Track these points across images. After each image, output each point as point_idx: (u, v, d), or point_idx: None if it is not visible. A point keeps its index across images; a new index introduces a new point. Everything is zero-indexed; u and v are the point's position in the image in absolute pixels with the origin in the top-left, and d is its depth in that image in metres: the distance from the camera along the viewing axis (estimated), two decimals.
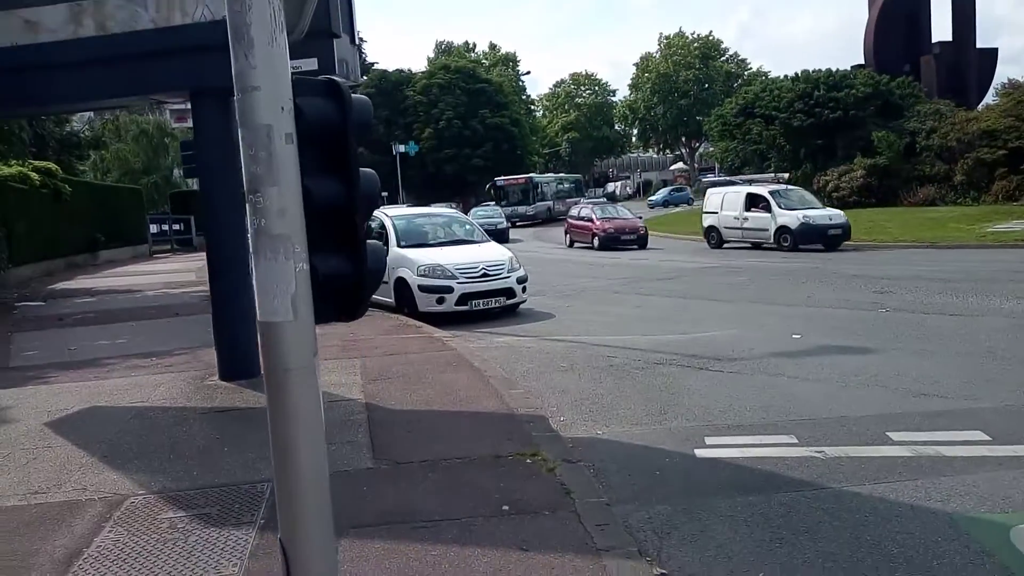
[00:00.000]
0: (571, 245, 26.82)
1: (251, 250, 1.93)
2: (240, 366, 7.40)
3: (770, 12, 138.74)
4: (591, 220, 25.80)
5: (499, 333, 10.30)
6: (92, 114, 37.59)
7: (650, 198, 61.60)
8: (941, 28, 40.03)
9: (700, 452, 5.27)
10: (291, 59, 7.08)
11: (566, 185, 53.28)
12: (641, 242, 24.70)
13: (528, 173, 61.05)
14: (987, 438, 5.21)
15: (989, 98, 37.55)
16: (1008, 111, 30.94)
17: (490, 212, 34.46)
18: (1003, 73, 79.06)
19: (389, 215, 13.21)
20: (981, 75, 39.21)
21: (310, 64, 7.28)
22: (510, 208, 41.89)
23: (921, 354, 7.94)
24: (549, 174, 56.20)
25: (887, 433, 5.42)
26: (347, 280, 2.06)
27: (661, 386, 7.09)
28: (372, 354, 8.59)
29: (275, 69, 1.97)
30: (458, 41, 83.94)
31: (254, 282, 1.96)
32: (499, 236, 24.19)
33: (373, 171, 2.22)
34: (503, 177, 49.51)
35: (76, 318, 12.48)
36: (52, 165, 22.07)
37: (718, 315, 11.10)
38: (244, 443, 5.57)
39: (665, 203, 55.75)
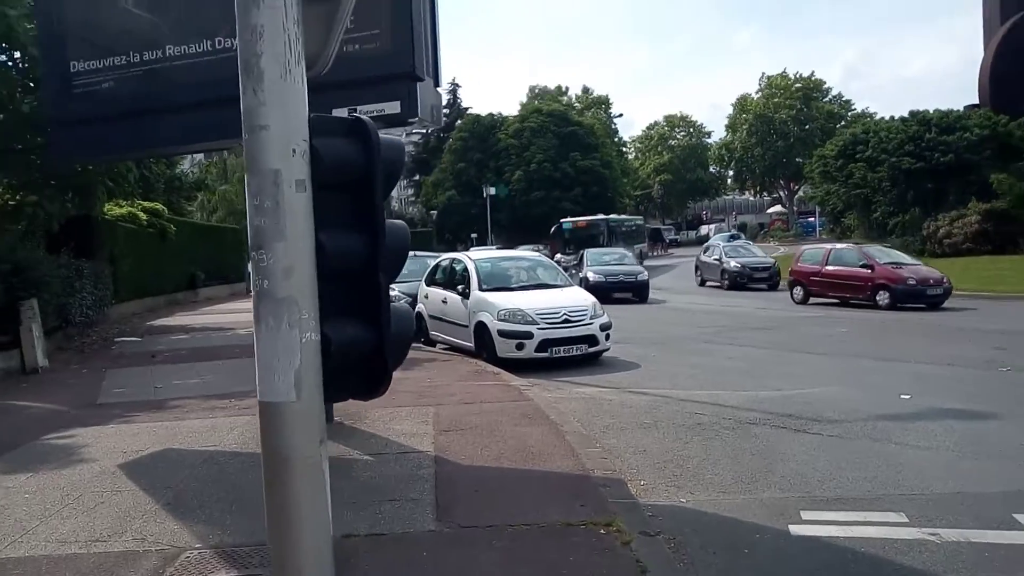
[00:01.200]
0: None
1: (253, 316, 1.69)
2: None
3: (877, 52, 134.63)
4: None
5: (579, 383, 9.91)
6: (203, 156, 39.73)
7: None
8: None
9: (795, 529, 4.73)
10: (373, 102, 6.98)
11: (631, 227, 47.64)
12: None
13: (618, 215, 60.47)
14: None
15: None
16: None
17: (616, 257, 25.52)
18: None
19: (472, 258, 13.13)
20: None
21: (393, 107, 7.25)
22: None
23: None
24: (614, 215, 49.64)
25: (1014, 515, 4.74)
26: (366, 351, 1.79)
27: (753, 449, 6.54)
28: (447, 402, 8.37)
29: (288, 106, 1.72)
30: (551, 85, 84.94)
31: (255, 353, 1.71)
32: (640, 291, 22.05)
33: (403, 223, 1.97)
34: (571, 219, 42.49)
35: (168, 355, 12.87)
36: (159, 205, 23.29)
37: (816, 370, 10.36)
38: None
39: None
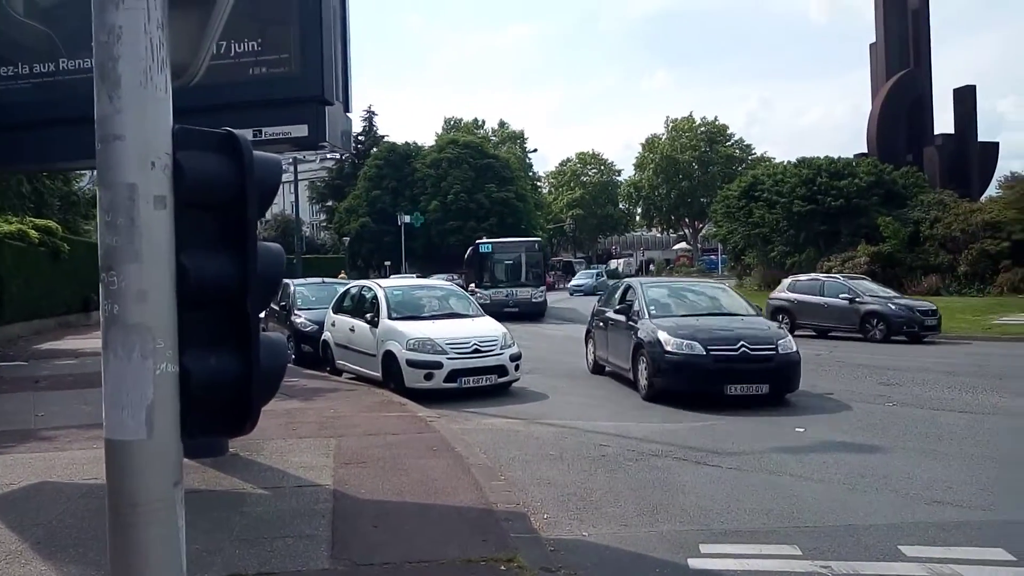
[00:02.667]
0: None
1: (101, 343, 1.53)
2: (205, 443, 6.94)
3: (778, 101, 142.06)
4: None
5: (488, 414, 9.81)
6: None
7: (573, 282, 52.75)
8: (943, 121, 40.66)
9: (694, 562, 4.76)
10: (279, 124, 6.80)
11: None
12: None
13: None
14: (1011, 558, 4.70)
15: (991, 190, 37.80)
16: (1012, 204, 31.00)
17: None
18: (1004, 167, 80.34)
19: (383, 286, 12.90)
20: (983, 167, 39.64)
21: (300, 131, 7.08)
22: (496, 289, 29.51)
23: (933, 455, 7.44)
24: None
25: (899, 547, 4.92)
26: (231, 385, 1.64)
27: (655, 482, 6.59)
28: (350, 433, 8.11)
29: (147, 116, 1.54)
30: (467, 117, 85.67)
31: (102, 386, 1.54)
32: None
33: (279, 246, 1.85)
34: (490, 240, 35.04)
35: (53, 380, 12.04)
36: (53, 223, 21.99)
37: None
38: (192, 531, 5.04)
39: (595, 290, 41.91)
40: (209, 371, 1.60)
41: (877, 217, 33.19)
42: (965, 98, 40.12)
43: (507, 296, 27.92)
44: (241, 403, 1.69)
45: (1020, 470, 6.88)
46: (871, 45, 41.25)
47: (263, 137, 6.81)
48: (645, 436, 8.36)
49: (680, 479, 6.64)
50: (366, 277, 37.80)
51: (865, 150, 39.90)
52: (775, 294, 21.81)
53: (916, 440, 8.07)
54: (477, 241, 31.06)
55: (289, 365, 15.33)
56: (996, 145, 41.49)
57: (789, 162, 40.82)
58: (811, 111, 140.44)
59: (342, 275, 38.81)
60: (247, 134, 7.03)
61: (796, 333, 16.99)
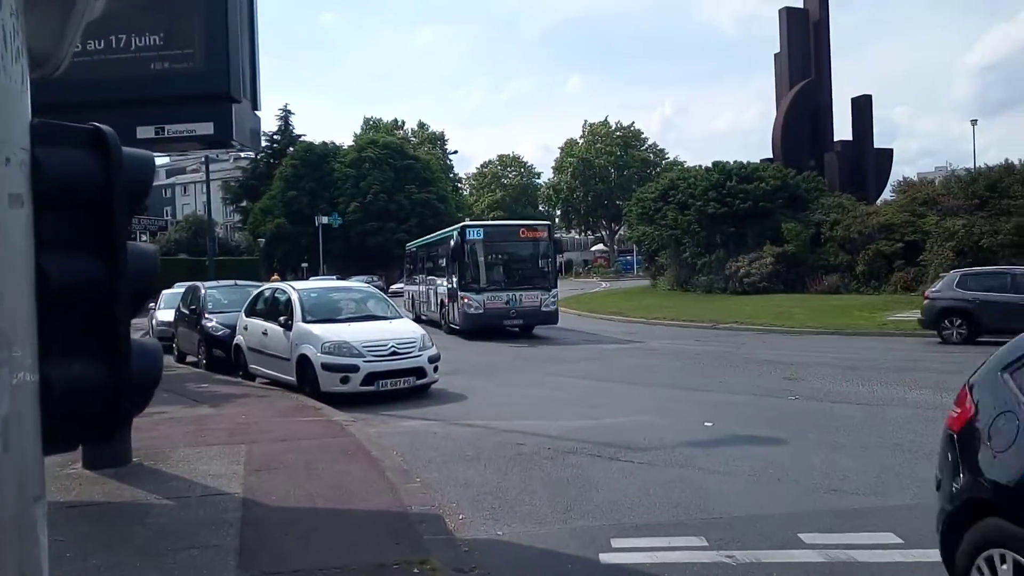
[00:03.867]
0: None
1: None
2: (106, 453, 6.64)
3: (691, 107, 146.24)
4: None
5: (405, 416, 9.74)
6: None
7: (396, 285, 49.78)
8: (842, 128, 42.73)
9: (605, 557, 4.86)
10: (183, 122, 6.57)
11: None
12: None
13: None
14: (899, 541, 4.98)
15: (886, 194, 40.01)
16: (904, 207, 32.88)
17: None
18: (898, 172, 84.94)
19: (296, 288, 12.62)
20: (879, 172, 41.93)
21: (206, 128, 6.85)
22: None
23: (831, 446, 7.81)
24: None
25: (799, 535, 5.14)
26: (98, 394, 1.56)
27: (569, 478, 6.69)
28: (261, 439, 7.91)
29: (1, 109, 1.46)
30: (387, 118, 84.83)
31: None
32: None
33: (152, 247, 1.77)
34: (481, 223, 31.02)
35: None
36: None
37: (631, 399, 10.86)
38: (90, 546, 4.85)
39: None
40: (72, 380, 1.51)
41: (782, 220, 34.61)
42: (862, 107, 42.30)
43: (508, 303, 19.87)
44: (109, 413, 1.60)
45: (910, 457, 7.29)
46: (775, 55, 42.97)
47: (166, 135, 6.56)
48: (562, 434, 8.47)
49: (594, 475, 6.75)
50: (283, 279, 36.52)
51: (771, 155, 41.56)
52: (939, 292, 17.60)
53: (816, 432, 8.45)
54: (463, 224, 21.84)
55: (200, 370, 14.91)
56: (890, 151, 44.09)
57: (702, 166, 42.08)
58: (722, 117, 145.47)
59: (274, 277, 37.76)
60: (149, 131, 6.75)
61: (979, 340, 15.78)
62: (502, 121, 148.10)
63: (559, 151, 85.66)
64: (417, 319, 25.29)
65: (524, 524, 5.55)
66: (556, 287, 21.26)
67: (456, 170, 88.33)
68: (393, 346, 10.99)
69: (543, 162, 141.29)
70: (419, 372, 11.09)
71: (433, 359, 11.33)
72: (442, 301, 22.49)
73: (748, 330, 21.95)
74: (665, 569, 4.63)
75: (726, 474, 6.81)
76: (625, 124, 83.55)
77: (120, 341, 1.58)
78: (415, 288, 28.35)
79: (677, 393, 11.45)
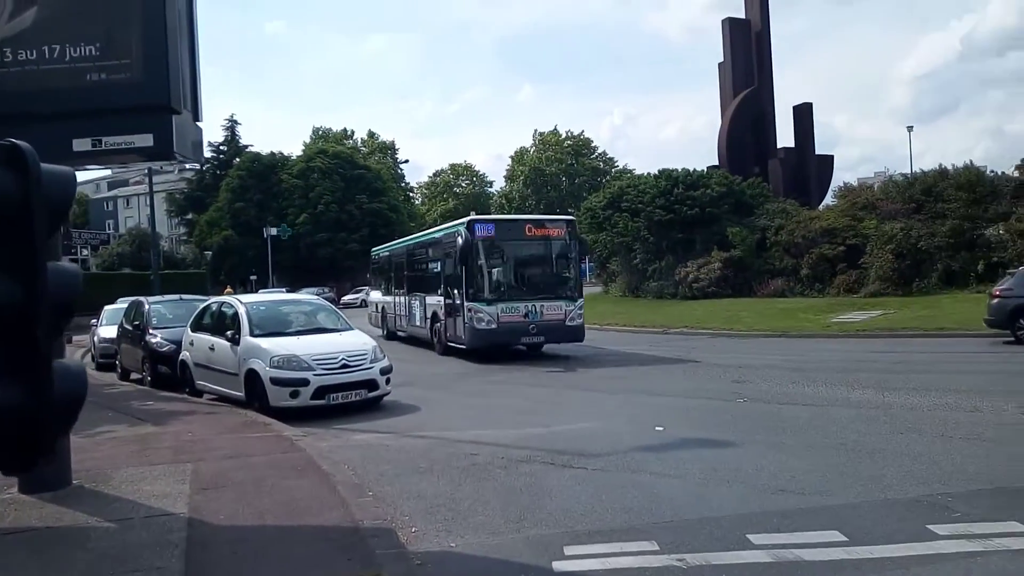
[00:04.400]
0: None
1: None
2: (44, 476, 6.41)
3: (640, 116, 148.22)
4: None
5: (357, 430, 9.63)
6: None
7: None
8: (785, 135, 43.82)
9: (558, 565, 4.87)
10: (122, 134, 6.43)
11: None
12: None
13: None
14: (844, 539, 5.10)
15: (828, 199, 41.16)
16: (845, 211, 33.87)
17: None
18: (840, 177, 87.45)
19: (243, 301, 12.39)
20: (821, 178, 43.13)
21: (145, 140, 6.71)
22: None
23: (778, 447, 7.98)
24: None
25: (747, 536, 5.22)
26: (18, 417, 1.51)
27: (523, 487, 6.69)
28: (209, 457, 7.74)
29: None
30: (336, 127, 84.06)
31: None
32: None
33: (75, 267, 1.72)
34: (492, 217, 25.58)
35: None
36: None
37: (584, 406, 10.94)
38: (28, 574, 4.68)
39: None
40: None
41: (728, 225, 35.32)
42: (803, 115, 43.47)
43: (527, 316, 16.48)
44: (30, 436, 1.55)
45: (853, 456, 7.50)
46: (720, 64, 43.89)
47: (104, 147, 6.42)
48: (515, 442, 8.47)
49: (547, 483, 6.77)
50: (220, 293, 35.73)
51: (717, 163, 42.39)
52: (1011, 291, 16.94)
53: (764, 433, 8.62)
54: (470, 218, 17.66)
55: (144, 388, 14.51)
56: (831, 158, 45.37)
57: (650, 174, 42.68)
58: (671, 125, 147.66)
59: (228, 290, 36.94)
60: (85, 143, 6.57)
61: None
62: (454, 130, 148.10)
63: (510, 160, 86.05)
64: (390, 336, 23.46)
65: (477, 534, 5.53)
66: (582, 296, 17.69)
67: (407, 179, 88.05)
68: (344, 359, 10.86)
69: (495, 171, 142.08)
70: (371, 384, 10.99)
71: (385, 371, 11.23)
72: (434, 314, 18.80)
73: (698, 334, 22.32)
74: (617, 574, 4.67)
75: (677, 477, 6.90)
76: (576, 133, 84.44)
77: (41, 363, 1.52)
78: (388, 300, 24.65)
79: (629, 398, 11.57)
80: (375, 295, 27.30)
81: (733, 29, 42.76)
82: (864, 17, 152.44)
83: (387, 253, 26.23)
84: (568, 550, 5.09)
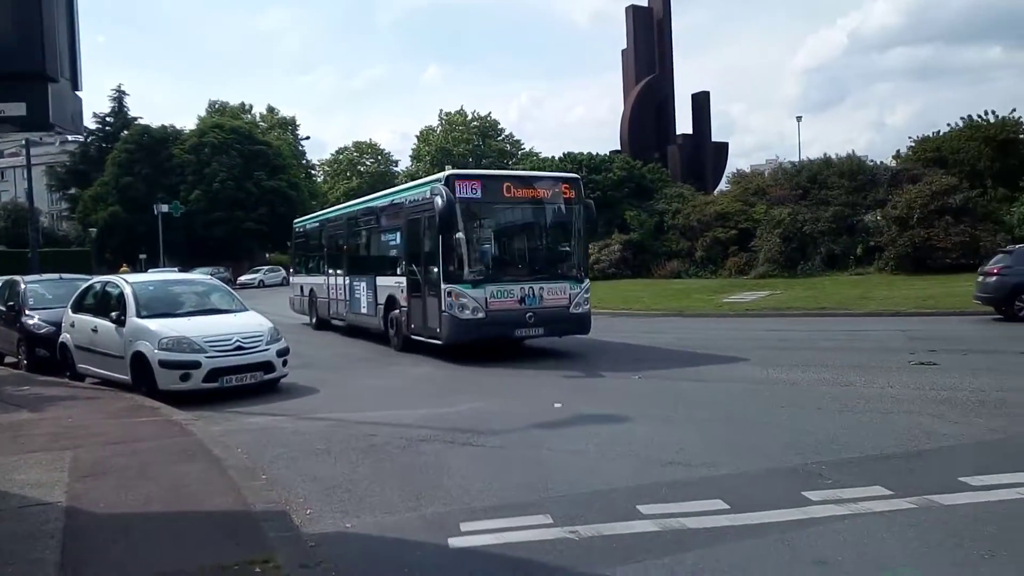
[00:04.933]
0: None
1: None
2: None
3: (547, 99, 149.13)
4: None
5: (252, 413, 9.38)
6: None
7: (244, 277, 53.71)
8: (684, 122, 45.19)
9: (454, 541, 4.91)
10: None
11: None
12: None
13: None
14: (726, 507, 5.37)
15: (723, 184, 42.82)
16: (737, 197, 35.40)
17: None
18: (735, 164, 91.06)
19: (129, 281, 11.79)
20: (716, 165, 44.81)
21: (17, 109, 6.23)
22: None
23: (669, 421, 8.29)
24: None
25: (638, 506, 5.42)
26: None
27: (421, 466, 6.71)
28: (90, 443, 7.37)
29: None
30: (233, 101, 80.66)
31: None
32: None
33: None
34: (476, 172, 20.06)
35: None
36: None
37: (486, 385, 11.02)
38: None
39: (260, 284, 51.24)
40: None
41: (628, 209, 36.25)
42: (701, 103, 44.96)
43: (523, 301, 13.12)
44: None
45: (739, 429, 7.88)
46: (623, 51, 44.72)
47: None
48: (415, 422, 8.47)
49: (446, 462, 6.81)
50: (115, 272, 33.82)
51: (620, 147, 43.31)
52: (1010, 268, 16.85)
53: (657, 409, 8.94)
54: (450, 173, 13.64)
55: (20, 372, 13.63)
56: (727, 145, 47.28)
57: (555, 157, 43.17)
58: (576, 109, 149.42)
59: (124, 268, 35.00)
60: None
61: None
62: (358, 107, 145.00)
63: (416, 139, 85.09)
64: (321, 326, 20.18)
65: (374, 514, 5.51)
66: (587, 277, 14.41)
67: (309, 157, 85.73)
68: (238, 340, 10.52)
69: (401, 150, 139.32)
70: (267, 367, 10.70)
71: (282, 352, 10.97)
72: (389, 299, 15.22)
73: (598, 314, 22.77)
74: (511, 548, 4.76)
75: (573, 452, 7.07)
76: (482, 114, 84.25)
77: None
78: (317, 281, 20.67)
79: (530, 375, 11.74)
80: (303, 276, 22.90)
81: (636, 16, 43.60)
82: (761, 11, 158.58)
83: (317, 224, 22.07)
84: (464, 526, 5.15)
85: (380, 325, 15.86)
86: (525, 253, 14.02)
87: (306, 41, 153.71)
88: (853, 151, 36.18)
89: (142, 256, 53.36)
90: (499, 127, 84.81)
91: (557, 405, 9.21)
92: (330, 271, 19.75)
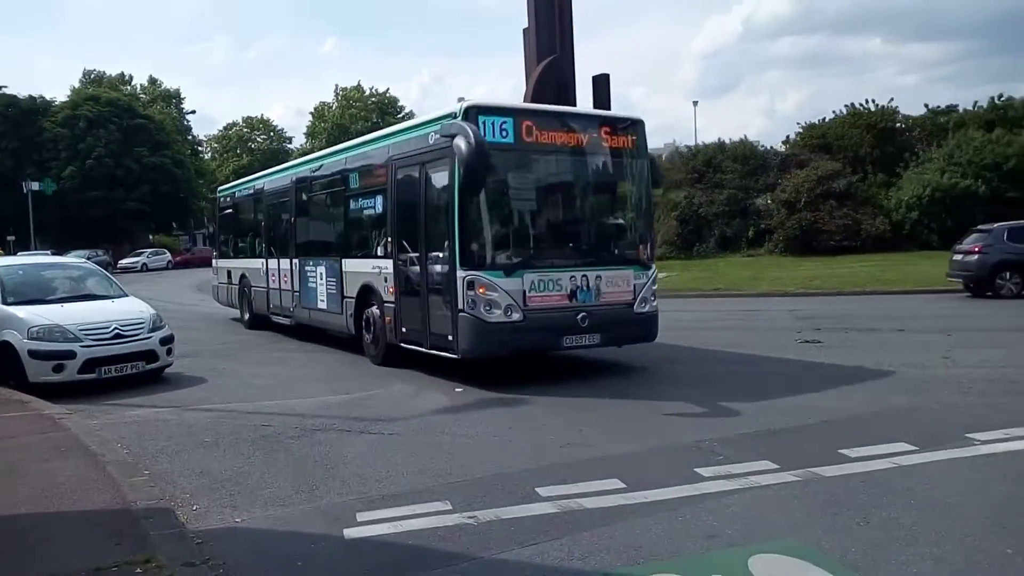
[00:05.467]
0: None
1: None
2: None
3: (449, 77, 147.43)
4: None
5: (133, 405, 8.87)
6: None
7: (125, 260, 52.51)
8: (585, 104, 45.70)
9: (349, 532, 4.79)
10: None
11: None
12: None
13: (191, 218, 55.86)
14: (623, 485, 5.47)
15: None
16: None
17: None
18: None
19: None
20: None
21: None
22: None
23: (569, 403, 8.38)
24: None
25: (536, 489, 5.44)
26: None
27: (317, 457, 6.51)
28: None
29: None
30: (112, 71, 75.77)
31: None
32: None
33: None
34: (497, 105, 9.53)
35: None
36: None
37: (381, 371, 10.82)
38: None
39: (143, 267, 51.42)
40: None
41: None
42: (601, 85, 45.32)
43: (571, 294, 9.27)
44: None
45: (634, 409, 8.08)
46: (524, 30, 44.79)
47: None
48: (310, 411, 8.23)
49: (342, 451, 6.64)
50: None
51: None
52: (991, 247, 17.66)
53: (557, 389, 9.03)
54: (469, 105, 8.93)
55: None
56: None
57: None
58: (478, 89, 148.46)
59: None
60: None
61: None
62: (250, 81, 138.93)
63: (311, 116, 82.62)
64: (255, 323, 16.19)
65: (266, 508, 5.31)
66: (653, 264, 10.38)
67: (195, 132, 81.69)
68: (117, 328, 9.91)
69: (296, 127, 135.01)
70: (150, 356, 10.13)
71: (166, 340, 10.41)
72: (364, 291, 11.20)
73: None
74: (409, 536, 4.68)
75: (472, 437, 7.05)
76: (381, 91, 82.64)
77: None
78: (253, 265, 16.21)
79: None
80: (231, 259, 18.35)
81: None
82: None
83: (250, 191, 17.12)
84: (361, 516, 5.03)
85: (347, 326, 11.90)
86: (575, 225, 10.04)
87: (194, 7, 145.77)
88: (746, 136, 37.74)
89: (10, 239, 49.49)
90: (399, 104, 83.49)
91: (458, 389, 9.15)
92: (271, 252, 15.34)
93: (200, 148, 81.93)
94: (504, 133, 8.98)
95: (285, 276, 14.50)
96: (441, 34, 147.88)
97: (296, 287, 13.93)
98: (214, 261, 20.15)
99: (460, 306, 8.85)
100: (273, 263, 15.18)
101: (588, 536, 4.59)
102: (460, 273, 8.82)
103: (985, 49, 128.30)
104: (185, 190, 62.75)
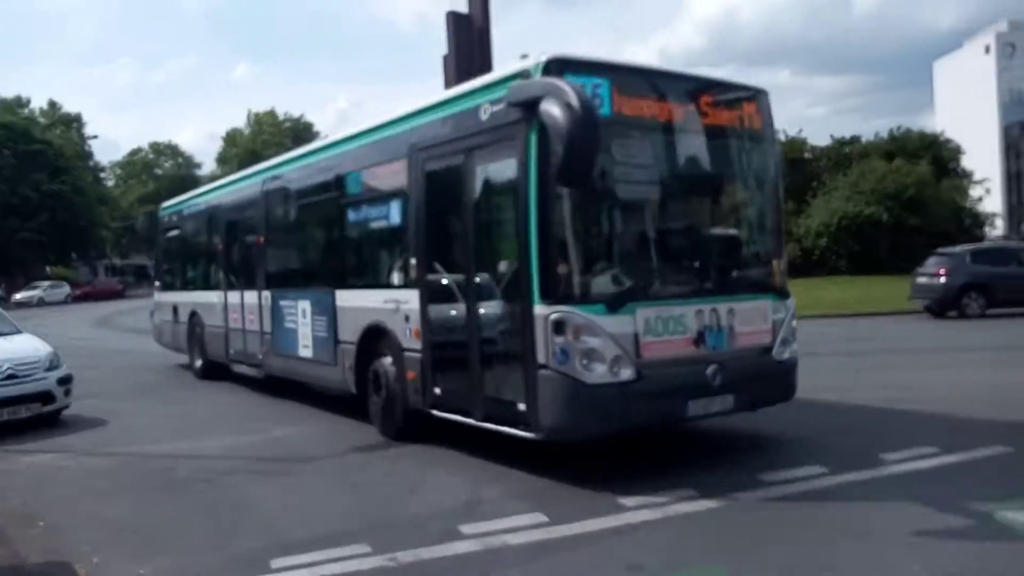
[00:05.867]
0: None
1: None
2: None
3: (368, 103, 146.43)
4: None
5: (27, 451, 8.31)
6: None
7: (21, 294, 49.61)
8: None
9: None
10: None
11: None
12: None
13: (93, 248, 53.17)
14: (546, 519, 5.42)
15: None
16: None
17: None
18: None
19: None
20: None
21: None
22: None
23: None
24: None
25: (459, 527, 5.33)
26: None
27: (227, 501, 6.23)
28: None
29: None
30: (7, 94, 71.83)
31: None
32: None
33: None
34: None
35: None
36: None
37: (298, 411, 10.43)
38: None
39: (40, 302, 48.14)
40: None
41: None
42: None
43: (698, 337, 6.24)
44: None
45: None
46: (444, 56, 45.08)
47: None
48: (222, 453, 7.89)
49: (255, 495, 6.38)
50: None
51: None
52: (955, 269, 18.83)
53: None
54: (551, 57, 5.85)
55: None
56: None
57: None
58: (392, 109, 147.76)
59: None
60: None
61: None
62: (157, 105, 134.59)
63: (223, 141, 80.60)
64: (209, 371, 13.25)
65: (173, 558, 5.02)
66: (790, 294, 7.28)
67: (98, 158, 78.26)
68: (10, 368, 9.30)
69: (206, 152, 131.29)
70: (46, 397, 9.53)
71: (64, 380, 9.82)
72: (371, 333, 8.21)
73: None
74: None
75: (392, 475, 6.86)
76: (295, 116, 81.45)
77: None
78: (208, 300, 12.97)
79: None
80: (172, 292, 15.25)
81: (456, 23, 43.72)
82: (580, 24, 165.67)
83: (204, 206, 13.85)
84: (275, 563, 4.81)
85: (344, 381, 8.88)
86: (698, 236, 7.10)
87: (98, 28, 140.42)
88: None
89: None
90: (314, 130, 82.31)
91: None
92: (232, 283, 12.13)
93: (103, 174, 78.52)
94: (600, 93, 5.99)
95: (251, 314, 11.25)
96: (358, 60, 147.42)
97: (267, 328, 10.76)
98: (156, 295, 16.48)
99: (542, 359, 5.86)
100: (234, 296, 11.86)
101: (512, 573, 4.54)
102: (542, 309, 5.81)
103: (890, 83, 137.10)
104: (86, 218, 59.94)
